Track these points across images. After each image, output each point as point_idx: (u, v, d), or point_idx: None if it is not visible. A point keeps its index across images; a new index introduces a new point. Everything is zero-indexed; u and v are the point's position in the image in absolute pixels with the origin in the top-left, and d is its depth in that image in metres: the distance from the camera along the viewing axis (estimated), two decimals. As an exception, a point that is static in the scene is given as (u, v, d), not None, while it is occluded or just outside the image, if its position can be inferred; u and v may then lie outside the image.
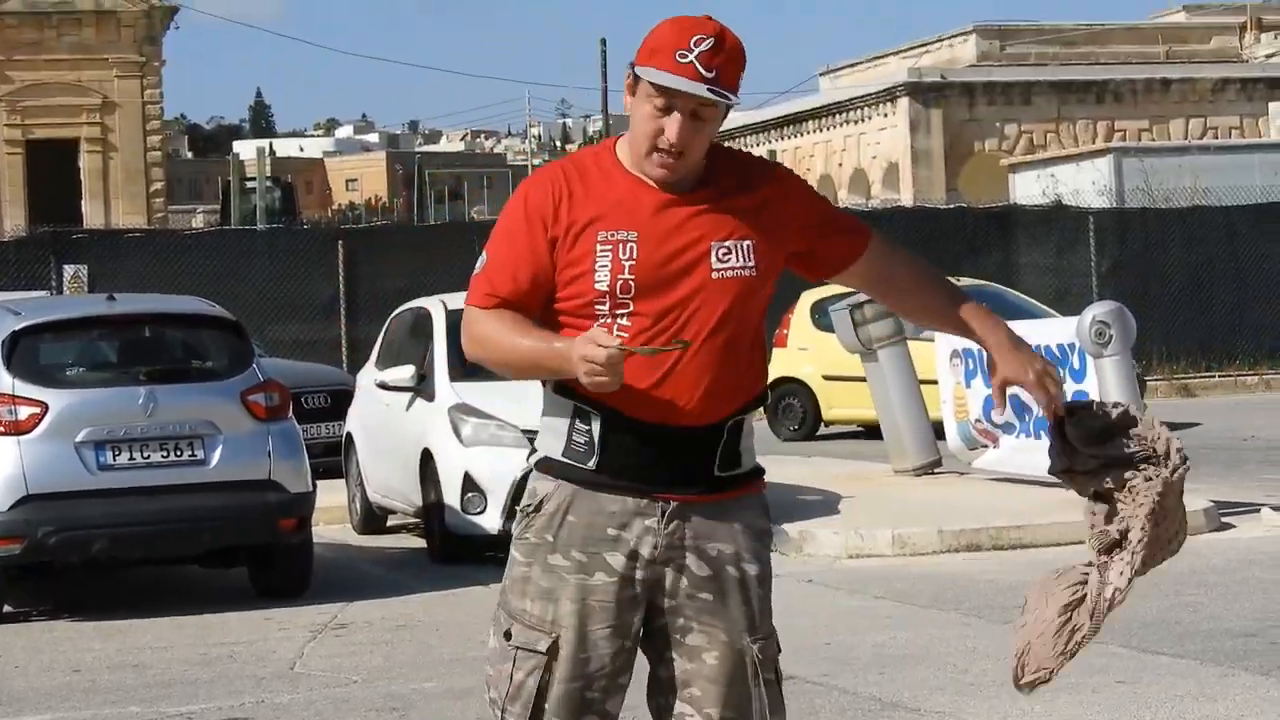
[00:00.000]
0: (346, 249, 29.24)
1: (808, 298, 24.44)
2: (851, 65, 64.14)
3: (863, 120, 54.69)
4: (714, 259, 4.51)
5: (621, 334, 4.44)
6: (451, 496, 14.36)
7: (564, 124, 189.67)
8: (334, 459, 17.74)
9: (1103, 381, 15.45)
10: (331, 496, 16.55)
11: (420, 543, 15.54)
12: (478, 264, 4.62)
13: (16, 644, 11.69)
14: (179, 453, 12.59)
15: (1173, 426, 23.73)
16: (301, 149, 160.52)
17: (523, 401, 13.69)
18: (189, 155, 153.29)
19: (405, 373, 15.47)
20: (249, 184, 47.09)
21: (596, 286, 4.48)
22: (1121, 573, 4.56)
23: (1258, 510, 15.25)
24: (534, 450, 4.69)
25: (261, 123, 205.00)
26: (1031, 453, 16.60)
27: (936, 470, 17.70)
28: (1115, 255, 32.08)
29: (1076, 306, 21.56)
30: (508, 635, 4.60)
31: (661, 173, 4.52)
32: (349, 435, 17.24)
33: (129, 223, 48.46)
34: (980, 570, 13.20)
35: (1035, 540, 14.13)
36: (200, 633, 11.85)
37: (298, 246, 29.98)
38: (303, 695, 9.78)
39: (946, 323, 4.78)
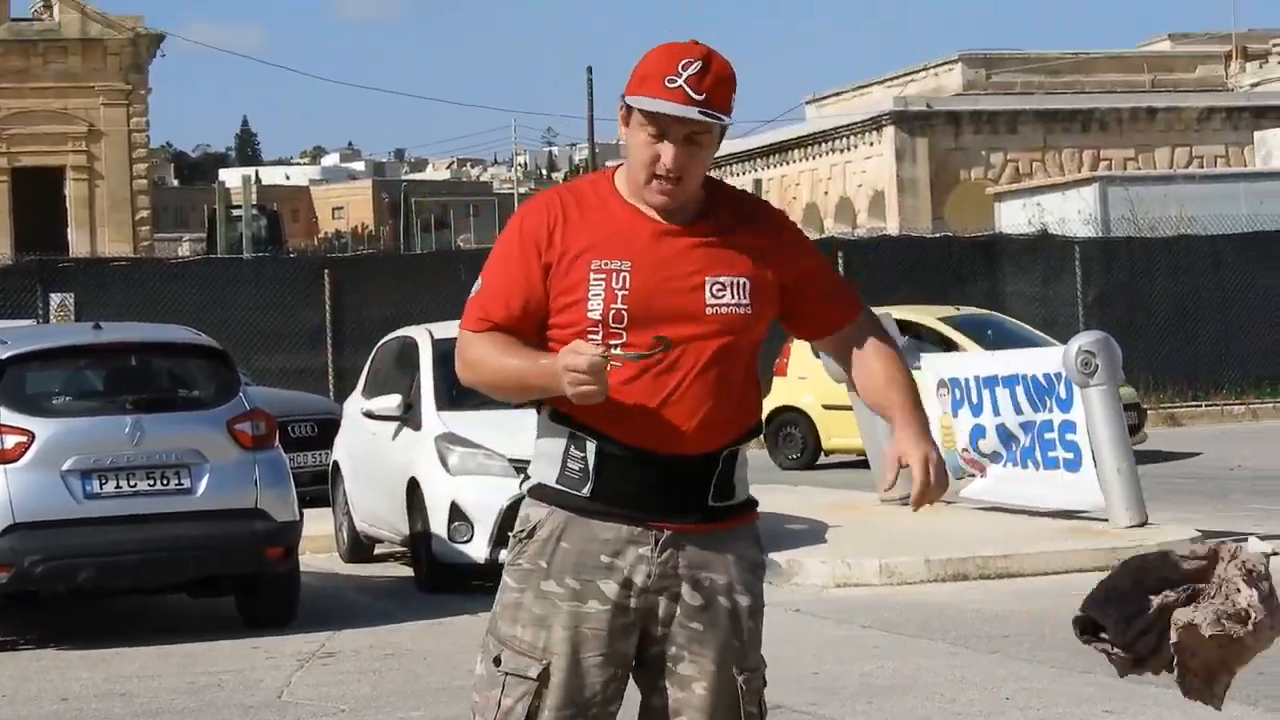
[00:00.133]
0: (333, 278, 29.18)
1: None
2: (837, 94, 64.18)
3: (848, 149, 54.70)
4: (708, 294, 4.52)
5: (615, 364, 4.43)
6: (438, 525, 14.35)
7: (550, 152, 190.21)
8: (321, 488, 17.70)
9: (1089, 411, 15.48)
10: (318, 525, 16.55)
11: (407, 571, 15.52)
12: (473, 288, 4.63)
13: (4, 673, 11.66)
14: (165, 481, 12.57)
15: (1165, 456, 23.45)
16: (288, 177, 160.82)
17: (509, 431, 13.71)
18: (175, 183, 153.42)
19: (392, 402, 15.46)
20: (235, 212, 47.03)
21: (589, 315, 4.48)
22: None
23: (1245, 540, 15.24)
24: (526, 477, 4.69)
25: (248, 151, 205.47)
26: (1018, 482, 16.63)
27: (923, 499, 17.64)
28: (1101, 284, 32.08)
29: (1063, 336, 21.59)
30: (497, 661, 4.58)
31: (661, 199, 4.52)
32: (336, 464, 17.22)
33: (115, 251, 48.50)
34: (967, 599, 13.19)
35: (1022, 569, 14.14)
36: (187, 662, 11.82)
37: (284, 275, 29.92)
38: (290, 724, 9.77)
39: (879, 406, 4.71)
